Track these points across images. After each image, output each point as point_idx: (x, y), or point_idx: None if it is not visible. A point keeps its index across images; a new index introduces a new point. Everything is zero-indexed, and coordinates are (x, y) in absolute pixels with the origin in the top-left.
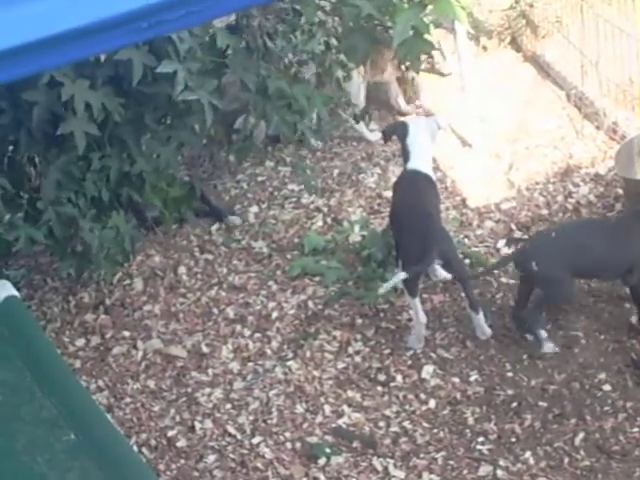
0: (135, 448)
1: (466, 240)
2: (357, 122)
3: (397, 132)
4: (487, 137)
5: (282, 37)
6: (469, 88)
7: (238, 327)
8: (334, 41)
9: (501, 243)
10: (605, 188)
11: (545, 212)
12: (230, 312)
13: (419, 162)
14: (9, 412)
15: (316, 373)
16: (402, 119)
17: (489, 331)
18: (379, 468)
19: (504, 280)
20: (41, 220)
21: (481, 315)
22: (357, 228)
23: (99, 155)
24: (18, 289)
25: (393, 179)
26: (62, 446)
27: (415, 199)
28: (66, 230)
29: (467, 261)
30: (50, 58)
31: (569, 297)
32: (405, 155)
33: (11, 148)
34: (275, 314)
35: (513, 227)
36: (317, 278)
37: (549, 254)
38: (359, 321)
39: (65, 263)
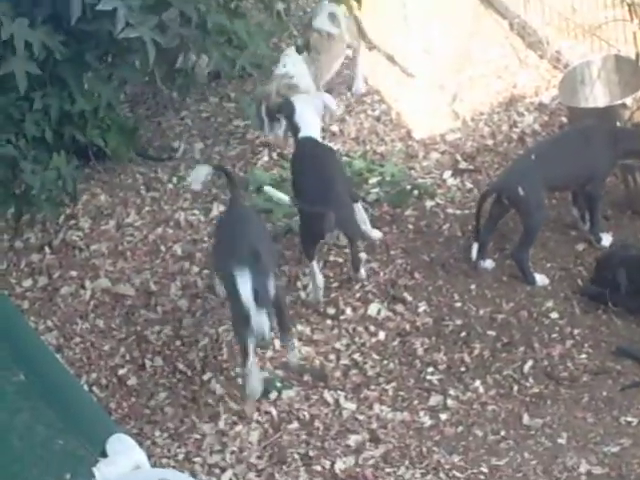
0: (86, 387)
1: (412, 172)
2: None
3: (283, 111)
4: (430, 68)
5: None
6: (411, 19)
7: (186, 264)
8: None
9: (447, 174)
10: (549, 117)
11: (490, 142)
12: (178, 249)
13: (311, 131)
14: None
15: None
16: (288, 98)
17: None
18: (330, 401)
19: (450, 211)
20: None
21: (361, 274)
22: None
23: (41, 94)
24: None
25: (339, 112)
26: (12, 387)
27: (315, 166)
28: (7, 172)
29: (415, 192)
30: None
31: (546, 217)
32: (294, 130)
33: None
34: None
35: (459, 158)
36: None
37: (533, 177)
38: None
39: (6, 205)
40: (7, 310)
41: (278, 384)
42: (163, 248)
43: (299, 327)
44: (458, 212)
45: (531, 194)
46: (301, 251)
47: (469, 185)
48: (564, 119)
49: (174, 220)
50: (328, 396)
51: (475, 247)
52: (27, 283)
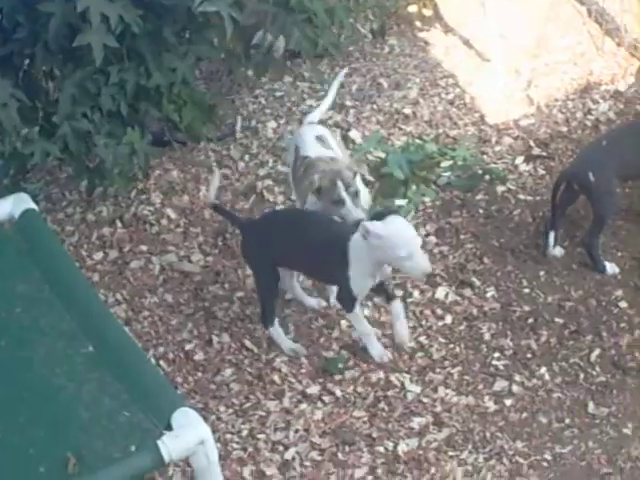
0: (153, 361)
1: (484, 157)
2: (374, 37)
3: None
4: (506, 53)
5: None
6: (488, 2)
7: None
8: None
9: (520, 160)
10: (625, 105)
11: (564, 129)
12: None
13: None
14: (28, 324)
15: None
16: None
17: None
18: (395, 383)
19: (522, 196)
20: (56, 135)
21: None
22: (374, 144)
23: (117, 68)
24: (36, 202)
25: (412, 95)
26: (80, 358)
27: None
28: (81, 145)
29: (487, 177)
30: None
31: (618, 207)
32: None
33: (27, 62)
34: None
35: (532, 144)
36: None
37: (605, 163)
38: None
39: (79, 178)
40: (78, 282)
41: (343, 364)
42: (231, 228)
43: (365, 310)
44: (529, 198)
45: (602, 180)
46: None
47: (542, 171)
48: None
49: (245, 199)
50: (393, 378)
51: (552, 235)
52: (98, 256)
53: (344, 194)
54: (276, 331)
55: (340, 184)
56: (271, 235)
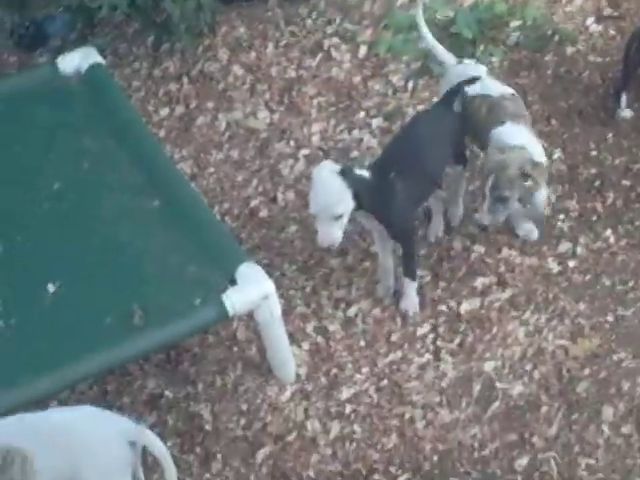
0: (218, 217)
1: (554, 17)
2: None
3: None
4: None
5: None
6: None
7: (322, 101)
8: None
9: (590, 20)
10: None
11: None
12: (312, 88)
13: None
14: (95, 179)
15: None
16: None
17: None
18: (458, 244)
19: (591, 58)
20: None
21: None
22: (443, 3)
23: None
24: (103, 57)
25: None
26: (147, 213)
27: None
28: None
29: (556, 37)
30: None
31: None
32: None
33: None
34: (361, 88)
35: (603, 4)
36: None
37: None
38: None
39: (146, 33)
40: (145, 137)
41: None
42: (297, 86)
43: None
44: (599, 59)
45: None
46: None
47: (612, 32)
48: None
49: (312, 56)
50: (457, 239)
51: (623, 96)
52: (164, 112)
53: (488, 191)
54: None
55: (492, 179)
56: None
